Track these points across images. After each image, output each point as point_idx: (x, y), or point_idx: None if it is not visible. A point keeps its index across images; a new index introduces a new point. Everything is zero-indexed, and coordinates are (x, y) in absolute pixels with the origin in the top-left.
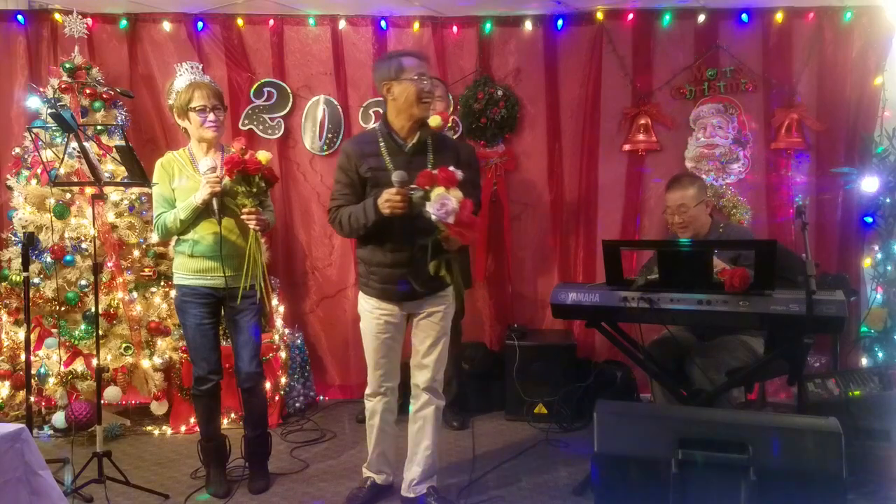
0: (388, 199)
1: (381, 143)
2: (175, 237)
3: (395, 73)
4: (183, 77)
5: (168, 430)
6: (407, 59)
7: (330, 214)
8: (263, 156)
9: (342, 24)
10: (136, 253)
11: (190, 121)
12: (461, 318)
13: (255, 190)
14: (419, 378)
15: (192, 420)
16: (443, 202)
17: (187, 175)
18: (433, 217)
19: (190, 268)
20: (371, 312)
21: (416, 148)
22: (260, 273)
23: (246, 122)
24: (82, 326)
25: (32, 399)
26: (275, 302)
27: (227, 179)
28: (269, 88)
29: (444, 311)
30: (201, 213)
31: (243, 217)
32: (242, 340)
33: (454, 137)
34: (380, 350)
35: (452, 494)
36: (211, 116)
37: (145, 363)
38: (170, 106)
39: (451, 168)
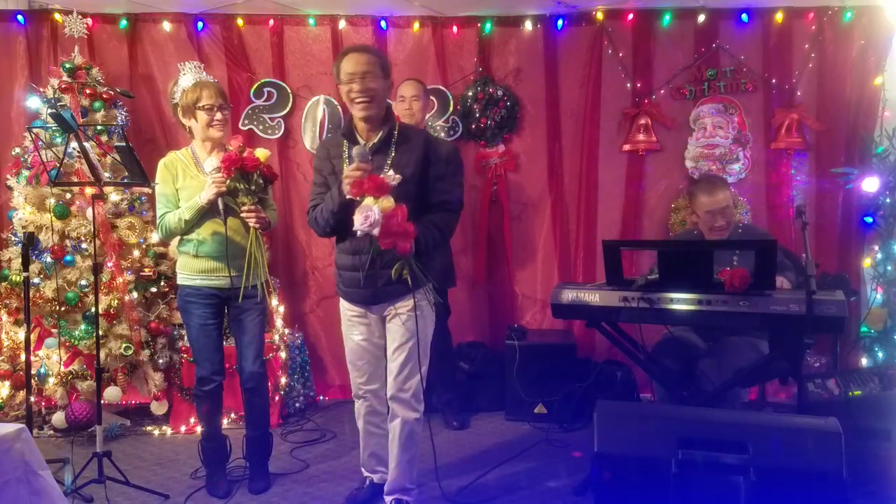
0: (347, 176)
1: (345, 145)
2: (178, 237)
3: (336, 76)
4: (188, 76)
5: (168, 430)
6: (344, 61)
7: (308, 216)
8: (262, 153)
9: (342, 24)
10: (136, 253)
11: (197, 119)
12: (447, 317)
13: (253, 188)
14: (389, 385)
15: (192, 420)
16: (365, 214)
17: (191, 175)
18: (358, 231)
19: (194, 268)
20: (344, 314)
21: (377, 147)
22: (262, 272)
23: (246, 122)
24: (82, 326)
25: (32, 399)
26: (275, 302)
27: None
28: (269, 88)
29: (410, 314)
30: (206, 213)
31: (243, 215)
32: (246, 340)
33: (452, 138)
34: (355, 352)
35: (451, 495)
36: (218, 115)
37: (145, 363)
38: (173, 105)
39: (384, 175)
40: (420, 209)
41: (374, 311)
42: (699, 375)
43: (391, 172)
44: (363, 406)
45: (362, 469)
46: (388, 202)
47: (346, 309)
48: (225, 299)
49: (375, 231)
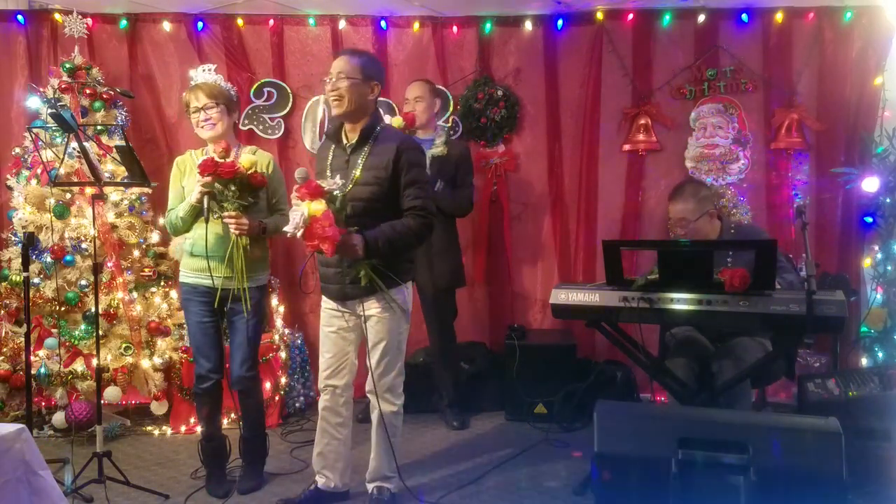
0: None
1: (333, 144)
2: (184, 235)
3: None
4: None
5: (168, 430)
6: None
7: None
8: (247, 160)
9: (342, 24)
10: (136, 253)
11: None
12: (454, 318)
13: (229, 195)
14: (368, 380)
15: (192, 420)
16: (293, 217)
17: (197, 174)
18: (287, 232)
19: (189, 266)
20: (323, 308)
21: (355, 147)
22: (243, 279)
23: (246, 122)
24: (82, 326)
25: (32, 399)
26: (274, 302)
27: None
28: (269, 88)
29: (380, 315)
30: (199, 213)
31: (224, 221)
32: (236, 343)
33: (453, 138)
34: (325, 343)
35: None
36: (202, 116)
37: (145, 363)
38: None
39: (323, 181)
40: (391, 211)
41: (347, 307)
42: (711, 376)
43: (338, 178)
44: (322, 400)
45: (313, 466)
46: (317, 206)
47: (324, 303)
48: (220, 299)
49: (299, 234)
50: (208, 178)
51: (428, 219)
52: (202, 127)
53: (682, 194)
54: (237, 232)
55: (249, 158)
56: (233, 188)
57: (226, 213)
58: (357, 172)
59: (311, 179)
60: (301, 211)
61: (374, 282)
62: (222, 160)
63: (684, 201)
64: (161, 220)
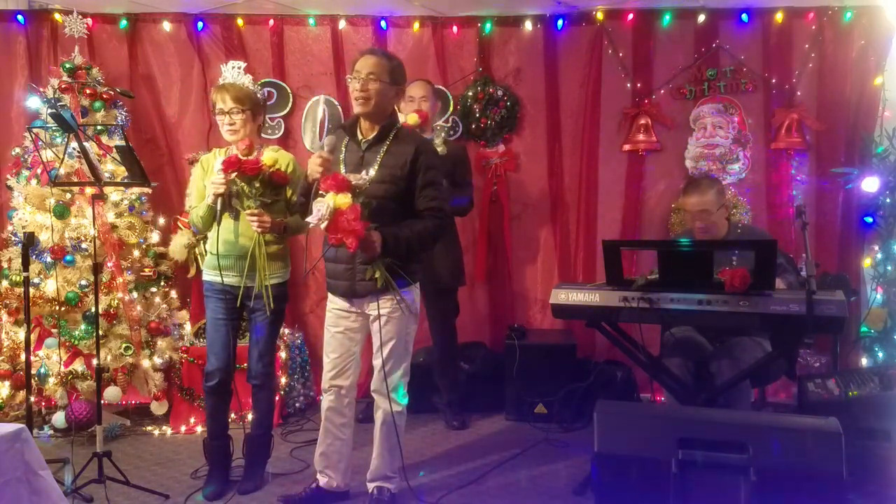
0: (312, 161)
1: (347, 138)
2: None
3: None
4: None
5: (168, 430)
6: (358, 60)
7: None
8: (269, 157)
9: (342, 24)
10: (136, 253)
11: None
12: (455, 317)
13: (253, 192)
14: (374, 379)
15: (193, 420)
16: (317, 208)
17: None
18: (310, 224)
19: (209, 264)
20: (329, 308)
21: (371, 143)
22: (264, 277)
23: None
24: (82, 326)
25: (32, 399)
26: None
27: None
28: (269, 88)
29: (390, 315)
30: (216, 213)
31: (247, 218)
32: (253, 340)
33: (452, 138)
34: (330, 344)
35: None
36: (227, 119)
37: (145, 363)
38: None
39: (350, 175)
40: (403, 211)
41: (354, 306)
42: (709, 376)
43: (363, 173)
44: (327, 400)
45: (315, 466)
46: (343, 199)
47: (331, 302)
48: (237, 297)
49: (323, 226)
50: (223, 176)
51: (444, 220)
52: (227, 130)
53: (700, 187)
54: (260, 229)
55: (272, 156)
56: (256, 185)
57: (248, 212)
58: (372, 170)
59: (337, 172)
60: (326, 203)
61: (388, 281)
62: (246, 157)
63: (702, 193)
64: (161, 220)
